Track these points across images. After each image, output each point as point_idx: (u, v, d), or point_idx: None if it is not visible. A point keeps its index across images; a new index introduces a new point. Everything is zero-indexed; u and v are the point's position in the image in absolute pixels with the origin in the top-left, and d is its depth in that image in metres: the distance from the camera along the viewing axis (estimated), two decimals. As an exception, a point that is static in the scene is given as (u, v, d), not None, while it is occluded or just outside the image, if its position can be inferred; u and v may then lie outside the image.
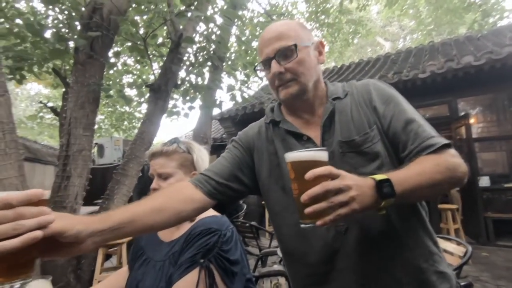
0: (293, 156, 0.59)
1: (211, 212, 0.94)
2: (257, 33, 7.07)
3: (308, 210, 0.52)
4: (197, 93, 3.95)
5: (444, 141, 0.66)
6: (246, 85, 4.61)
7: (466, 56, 4.71)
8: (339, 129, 0.75)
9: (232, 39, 5.22)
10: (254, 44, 6.75)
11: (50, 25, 3.71)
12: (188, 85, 3.87)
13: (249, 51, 5.76)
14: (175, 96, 4.86)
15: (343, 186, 0.53)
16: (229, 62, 4.89)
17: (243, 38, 5.92)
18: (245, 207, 4.30)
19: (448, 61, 4.82)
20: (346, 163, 0.71)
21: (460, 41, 6.58)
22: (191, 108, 3.91)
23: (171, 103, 4.14)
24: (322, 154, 0.60)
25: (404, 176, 0.60)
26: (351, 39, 9.71)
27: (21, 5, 4.62)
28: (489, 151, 5.56)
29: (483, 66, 4.48)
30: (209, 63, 4.10)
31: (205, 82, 4.35)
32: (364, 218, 0.70)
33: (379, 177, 0.58)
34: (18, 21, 3.90)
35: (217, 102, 3.96)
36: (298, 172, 0.57)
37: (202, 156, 1.02)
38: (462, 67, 4.61)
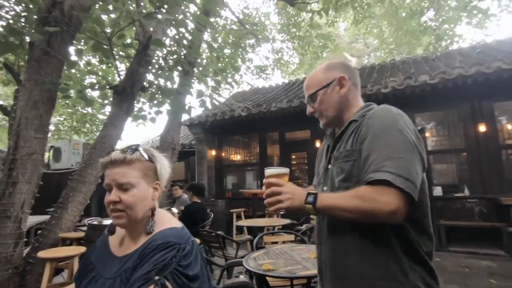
0: (266, 172, 0.95)
1: (170, 223, 0.88)
2: (230, 41, 7.10)
3: (265, 201, 0.87)
4: (165, 98, 3.83)
5: (382, 177, 0.73)
6: (217, 92, 4.58)
7: (422, 75, 5.10)
8: (340, 145, 0.94)
9: (204, 45, 5.16)
10: (227, 51, 6.75)
11: (3, 16, 3.39)
12: (155, 88, 3.74)
13: (221, 58, 5.74)
14: (142, 100, 4.68)
15: (280, 190, 0.84)
16: (200, 68, 4.83)
17: (216, 45, 5.90)
18: (212, 215, 4.19)
19: (407, 78, 5.19)
20: (333, 171, 0.94)
21: (417, 61, 7.13)
22: (158, 112, 3.77)
23: (137, 106, 3.97)
24: (280, 171, 0.94)
25: (327, 196, 0.82)
26: (320, 52, 10.12)
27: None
28: (441, 163, 6.02)
29: (437, 84, 4.89)
30: (179, 68, 4.01)
31: (174, 87, 4.24)
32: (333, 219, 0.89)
33: (312, 191, 0.83)
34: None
35: (186, 108, 3.87)
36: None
37: (164, 165, 0.94)
38: (419, 85, 4.99)
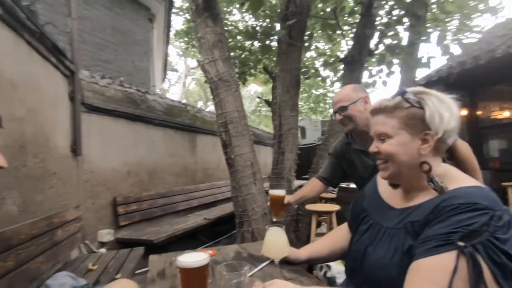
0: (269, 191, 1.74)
1: (469, 181, 0.70)
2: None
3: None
4: (396, 56, 3.44)
5: None
6: (466, 29, 3.50)
7: None
8: None
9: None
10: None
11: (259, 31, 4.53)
12: (384, 49, 3.45)
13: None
14: (369, 68, 4.54)
15: None
16: (433, 10, 3.90)
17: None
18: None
19: None
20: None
21: None
22: (390, 73, 3.47)
23: (365, 74, 3.89)
24: (280, 193, 1.62)
25: None
26: None
27: (240, 25, 5.98)
28: None
29: None
30: (406, 19, 3.45)
31: (403, 43, 3.71)
32: None
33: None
34: (239, 37, 5.10)
35: (424, 61, 3.27)
36: None
37: (440, 111, 0.72)
38: None
